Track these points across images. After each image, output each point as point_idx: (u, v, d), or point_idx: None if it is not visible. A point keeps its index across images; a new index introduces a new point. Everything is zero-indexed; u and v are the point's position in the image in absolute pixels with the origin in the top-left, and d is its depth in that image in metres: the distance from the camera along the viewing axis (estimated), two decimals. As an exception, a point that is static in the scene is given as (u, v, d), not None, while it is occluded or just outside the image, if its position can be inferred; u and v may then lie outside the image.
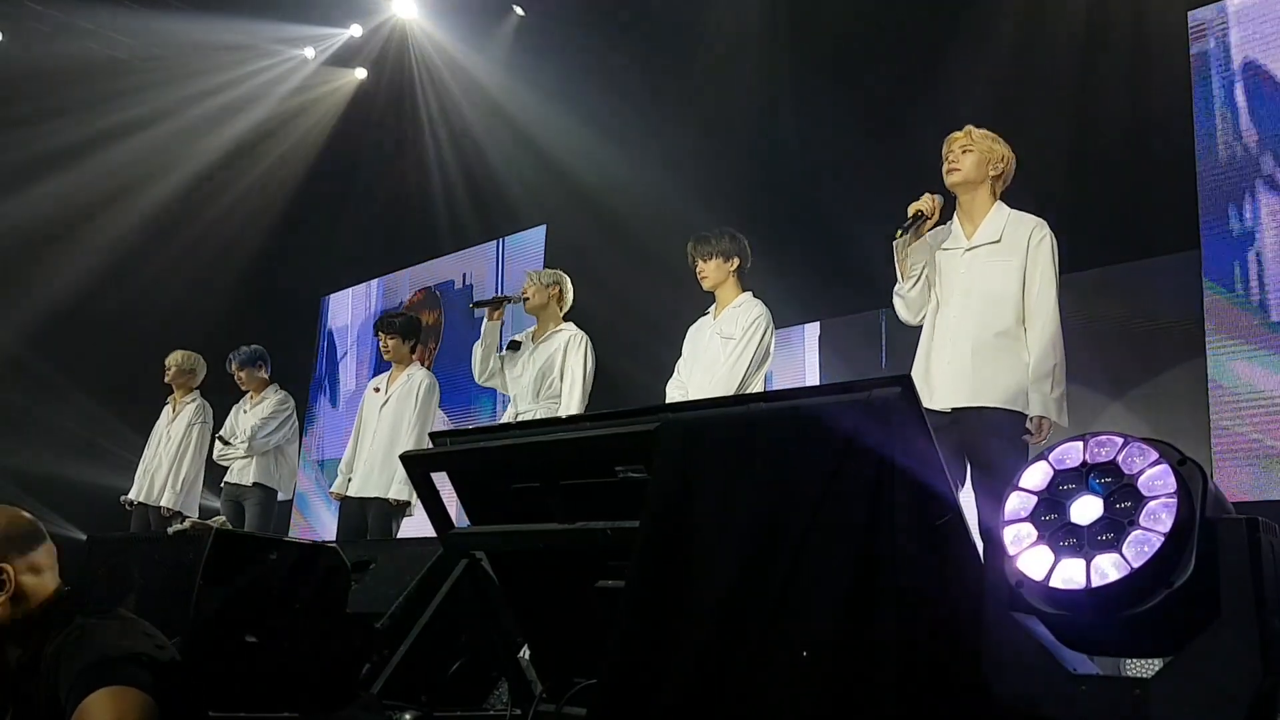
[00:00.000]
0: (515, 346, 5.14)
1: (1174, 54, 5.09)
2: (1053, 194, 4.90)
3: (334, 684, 2.40)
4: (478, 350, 5.16)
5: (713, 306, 4.57)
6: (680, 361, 4.62)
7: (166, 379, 6.96)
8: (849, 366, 6.16)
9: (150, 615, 2.22)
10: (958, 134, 3.73)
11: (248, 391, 6.80)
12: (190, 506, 6.77)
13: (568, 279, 5.20)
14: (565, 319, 5.17)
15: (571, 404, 4.88)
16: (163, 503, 6.68)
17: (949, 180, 3.70)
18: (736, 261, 4.49)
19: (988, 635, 1.57)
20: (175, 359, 6.95)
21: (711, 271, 4.48)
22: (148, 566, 2.44)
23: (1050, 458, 1.60)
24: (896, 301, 3.82)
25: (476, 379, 5.25)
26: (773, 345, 4.42)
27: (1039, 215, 3.68)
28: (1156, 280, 5.29)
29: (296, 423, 6.89)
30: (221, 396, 7.01)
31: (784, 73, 6.56)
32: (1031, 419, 3.43)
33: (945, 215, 3.82)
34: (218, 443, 6.68)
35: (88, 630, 1.89)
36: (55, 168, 8.28)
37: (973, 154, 3.67)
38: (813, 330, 6.50)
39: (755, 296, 4.52)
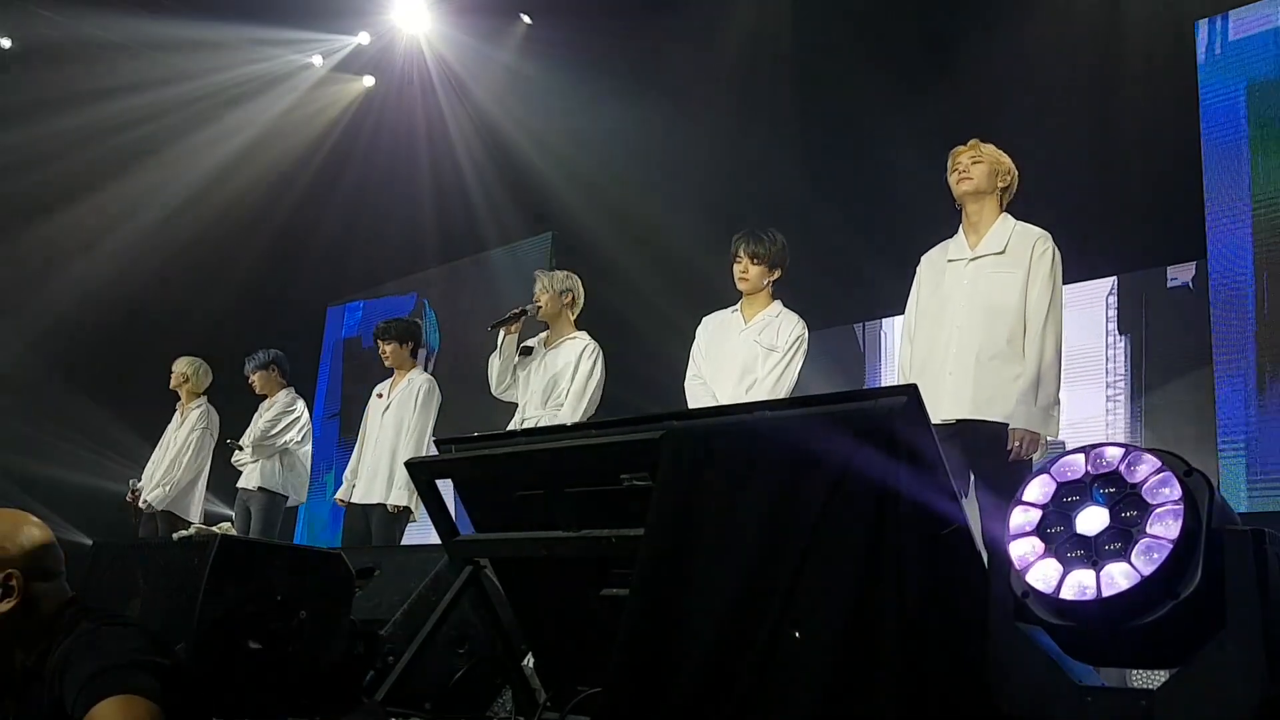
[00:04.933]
0: (528, 352, 5.09)
1: (1181, 63, 5.10)
2: (1063, 204, 4.91)
3: (338, 691, 2.40)
4: (495, 363, 5.07)
5: (739, 306, 4.43)
6: (698, 354, 4.46)
7: (171, 385, 6.99)
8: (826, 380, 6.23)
9: (155, 621, 2.22)
10: (962, 147, 3.77)
11: (264, 395, 6.81)
12: (186, 509, 6.77)
13: (580, 283, 5.11)
14: (577, 324, 5.11)
15: (573, 412, 4.83)
16: (148, 498, 6.70)
17: (960, 189, 3.73)
18: (778, 272, 4.36)
19: (993, 646, 1.57)
20: (177, 365, 6.99)
21: (755, 276, 4.29)
22: (153, 572, 2.44)
23: (1055, 469, 1.59)
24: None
25: (494, 391, 5.16)
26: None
27: (1050, 225, 3.69)
28: (1163, 289, 5.29)
29: (309, 426, 6.87)
30: (231, 402, 7.02)
31: (791, 82, 6.57)
32: (1012, 431, 3.42)
33: (950, 229, 3.83)
34: (235, 449, 6.69)
35: (94, 637, 1.89)
36: (63, 173, 8.30)
37: (982, 165, 3.71)
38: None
39: (787, 306, 4.40)
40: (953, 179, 3.75)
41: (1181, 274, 5.21)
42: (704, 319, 4.53)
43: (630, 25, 7.08)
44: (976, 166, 3.70)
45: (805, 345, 4.28)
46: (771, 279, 4.34)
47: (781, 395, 4.15)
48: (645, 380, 5.73)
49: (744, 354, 4.28)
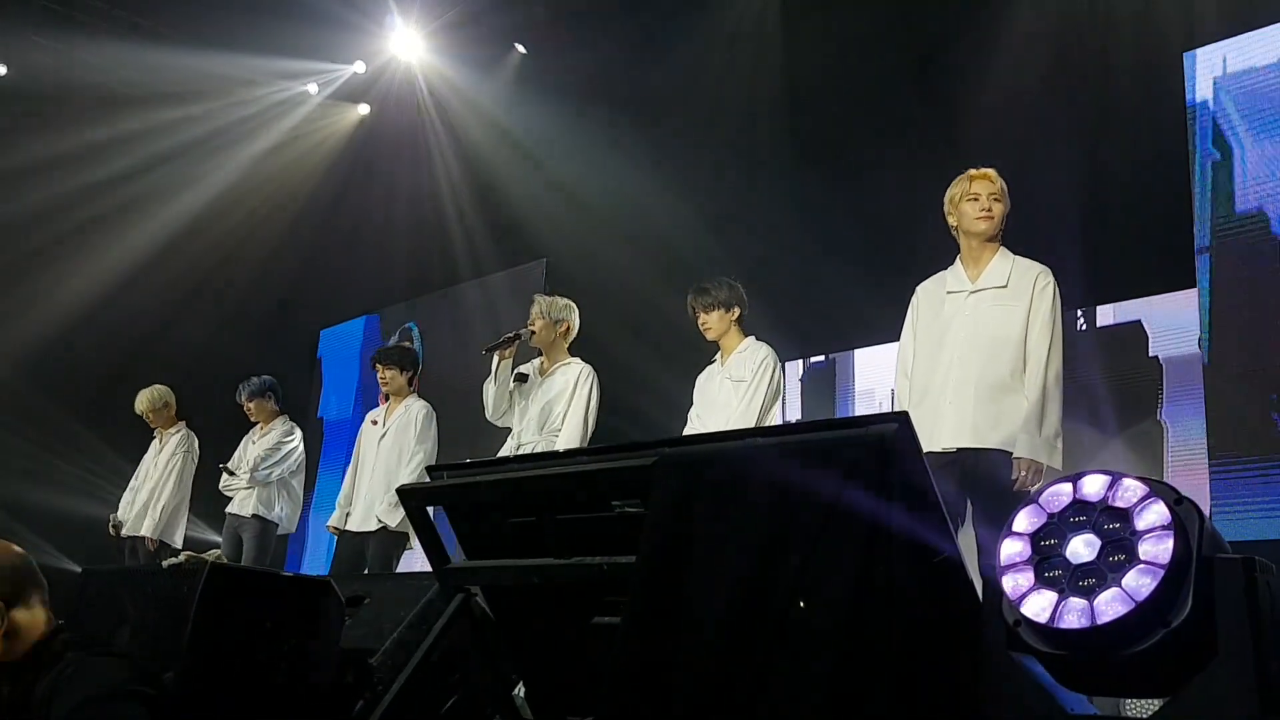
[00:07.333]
0: (522, 379, 5.08)
1: (1171, 94, 5.15)
2: (1052, 233, 4.94)
3: (327, 720, 2.38)
4: (489, 389, 5.06)
5: (719, 354, 4.64)
6: (692, 411, 4.66)
7: (150, 424, 6.98)
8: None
9: (144, 649, 2.20)
10: (977, 173, 3.72)
11: (257, 423, 6.78)
12: (171, 535, 6.75)
13: (575, 311, 5.13)
14: (570, 351, 5.11)
15: (570, 438, 4.84)
16: (143, 532, 6.69)
17: (978, 228, 3.66)
18: (737, 310, 4.59)
19: (985, 675, 1.56)
20: (141, 403, 6.96)
21: (714, 323, 4.57)
22: (142, 600, 2.42)
23: (1043, 499, 1.60)
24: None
25: (489, 418, 5.14)
26: (782, 384, 4.50)
27: (1040, 252, 3.71)
28: (1154, 318, 5.31)
29: (303, 455, 6.85)
30: (225, 427, 7.00)
31: (783, 113, 6.62)
32: (1016, 460, 3.43)
33: (947, 260, 3.84)
34: (224, 473, 6.66)
35: (80, 667, 1.87)
36: (55, 199, 8.31)
37: (1000, 204, 3.70)
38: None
39: (759, 340, 4.59)
40: (970, 207, 3.68)
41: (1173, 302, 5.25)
42: (697, 378, 4.73)
43: (624, 56, 7.13)
44: (998, 205, 3.68)
45: (772, 370, 4.50)
46: (733, 318, 4.59)
47: (751, 420, 4.38)
48: (637, 411, 5.74)
49: (723, 394, 4.54)
